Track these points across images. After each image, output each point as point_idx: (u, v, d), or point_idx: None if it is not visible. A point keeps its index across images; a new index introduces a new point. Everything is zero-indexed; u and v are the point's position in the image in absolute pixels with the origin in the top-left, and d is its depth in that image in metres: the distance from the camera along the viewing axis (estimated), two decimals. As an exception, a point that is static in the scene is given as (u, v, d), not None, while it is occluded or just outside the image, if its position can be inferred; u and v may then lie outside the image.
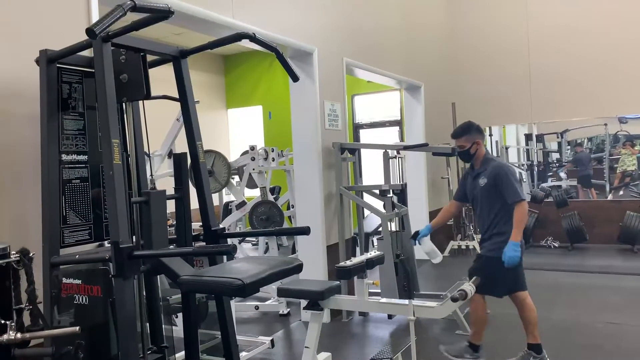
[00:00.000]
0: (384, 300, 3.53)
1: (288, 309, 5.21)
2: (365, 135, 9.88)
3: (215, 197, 6.21)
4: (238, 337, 4.20)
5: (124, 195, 2.12)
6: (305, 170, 4.94)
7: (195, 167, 2.56)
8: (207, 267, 2.20)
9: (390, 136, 9.51)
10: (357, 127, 9.90)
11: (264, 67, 10.20)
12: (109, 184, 2.10)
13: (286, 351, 4.30)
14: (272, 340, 4.24)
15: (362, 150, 9.10)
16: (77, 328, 1.93)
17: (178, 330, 3.00)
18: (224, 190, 5.77)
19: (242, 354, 3.94)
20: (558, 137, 8.82)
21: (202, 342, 4.01)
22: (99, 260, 2.14)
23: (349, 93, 9.73)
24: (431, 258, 4.05)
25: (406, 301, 3.34)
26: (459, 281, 4.99)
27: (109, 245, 2.09)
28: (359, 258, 3.52)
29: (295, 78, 2.66)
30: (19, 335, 1.91)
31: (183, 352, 2.63)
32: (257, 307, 5.28)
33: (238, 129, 10.66)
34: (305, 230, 2.47)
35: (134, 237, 2.36)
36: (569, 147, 8.86)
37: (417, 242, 3.99)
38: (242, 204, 5.31)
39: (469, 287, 3.26)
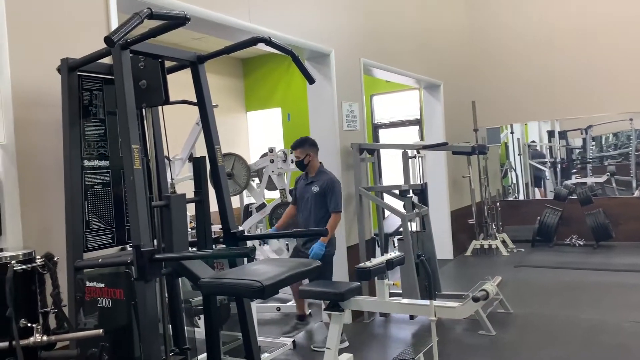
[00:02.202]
0: (404, 300, 3.52)
1: (309, 310, 5.22)
2: (385, 135, 9.84)
3: (235, 200, 6.23)
4: (259, 339, 4.25)
5: (144, 200, 2.15)
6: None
7: (214, 170, 2.58)
8: (227, 270, 2.22)
9: (409, 136, 9.46)
10: (376, 127, 9.86)
11: (282, 69, 10.23)
12: (130, 189, 2.14)
13: (307, 352, 4.31)
14: (293, 342, 4.26)
15: (382, 150, 9.13)
16: (101, 331, 1.97)
17: (200, 332, 3.03)
18: (244, 192, 5.80)
19: (264, 356, 3.97)
20: (582, 134, 8.68)
21: (224, 343, 4.04)
22: (121, 263, 2.17)
23: (367, 93, 9.71)
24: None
25: (427, 302, 3.33)
26: (482, 281, 4.96)
27: (131, 248, 2.13)
28: (379, 259, 3.51)
29: (311, 80, 2.67)
30: (45, 337, 1.96)
31: (205, 354, 2.66)
32: (278, 309, 5.30)
33: (257, 132, 10.71)
34: (322, 232, 2.48)
35: (155, 240, 2.39)
36: (593, 143, 8.72)
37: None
38: (262, 206, 5.33)
39: (490, 287, 3.23)
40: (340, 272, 4.82)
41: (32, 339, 1.94)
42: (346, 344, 4.26)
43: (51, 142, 2.49)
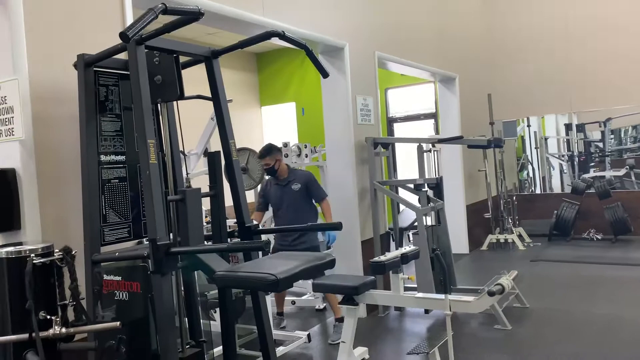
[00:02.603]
0: (419, 294, 3.52)
1: (324, 304, 5.24)
2: (400, 129, 9.80)
3: (250, 194, 6.26)
4: (275, 332, 4.28)
5: (160, 194, 2.17)
6: (339, 166, 4.95)
7: (228, 164, 2.60)
8: (242, 263, 2.24)
9: (425, 129, 9.41)
10: (391, 121, 9.83)
11: (296, 63, 10.23)
12: (146, 183, 2.16)
13: (322, 346, 4.33)
14: (308, 335, 4.27)
15: (397, 145, 9.10)
16: (118, 323, 2.00)
17: (216, 325, 3.06)
18: (259, 187, 5.81)
19: (279, 349, 4.00)
20: (600, 126, 8.57)
21: (240, 336, 4.09)
22: (137, 257, 2.20)
23: (382, 86, 9.66)
24: None
25: (442, 296, 3.32)
26: (497, 275, 4.93)
27: (147, 242, 2.15)
28: (393, 253, 3.51)
29: (325, 74, 2.67)
30: (63, 330, 1.99)
31: (221, 347, 2.69)
32: (293, 302, 5.32)
33: (272, 126, 10.74)
34: (337, 226, 2.48)
35: (171, 234, 2.42)
36: (612, 136, 8.60)
37: None
38: (277, 200, 5.35)
39: (506, 281, 3.21)
40: (354, 266, 4.83)
41: (51, 331, 1.98)
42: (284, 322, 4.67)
43: (68, 137, 2.53)
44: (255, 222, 2.63)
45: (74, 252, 2.24)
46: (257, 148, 5.00)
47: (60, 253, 2.10)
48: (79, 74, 2.39)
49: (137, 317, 2.25)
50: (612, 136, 8.61)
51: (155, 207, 2.13)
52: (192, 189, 2.40)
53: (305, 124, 10.08)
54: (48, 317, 2.00)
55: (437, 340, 3.37)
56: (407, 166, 8.97)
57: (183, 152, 2.81)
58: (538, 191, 9.17)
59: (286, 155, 5.24)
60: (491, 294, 3.07)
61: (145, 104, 2.19)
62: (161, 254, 2.10)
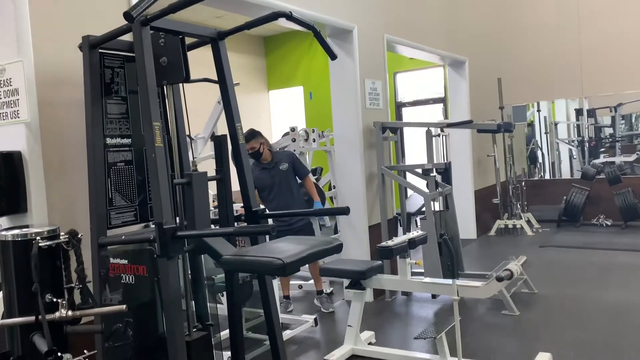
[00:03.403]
0: (427, 279, 3.50)
1: (331, 288, 5.24)
2: (408, 114, 9.74)
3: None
4: (281, 316, 4.29)
5: (166, 177, 2.15)
6: (346, 151, 4.91)
7: (235, 148, 2.57)
8: (249, 247, 2.22)
9: (433, 114, 9.34)
10: (399, 106, 9.76)
11: (304, 47, 10.14)
12: (152, 166, 2.14)
13: (329, 329, 4.33)
14: (315, 319, 4.28)
15: (405, 129, 9.03)
16: (124, 306, 1.99)
17: (223, 309, 3.06)
18: None
19: (286, 332, 4.00)
20: (611, 111, 8.45)
21: (247, 320, 4.09)
22: (143, 240, 2.19)
23: (390, 71, 9.55)
24: None
25: (450, 281, 3.30)
26: (505, 261, 4.91)
27: (154, 226, 2.14)
28: (401, 238, 3.49)
29: (333, 56, 2.63)
30: (70, 312, 1.99)
31: (227, 331, 2.68)
32: (300, 286, 5.32)
33: (279, 111, 10.69)
34: (344, 210, 2.45)
35: (177, 218, 2.40)
36: (622, 121, 8.49)
37: None
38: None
39: (515, 266, 3.18)
40: (361, 250, 4.82)
41: (57, 314, 1.97)
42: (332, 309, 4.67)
43: (74, 120, 2.51)
44: (262, 207, 2.61)
45: (80, 235, 2.23)
46: (265, 132, 4.98)
47: (66, 236, 2.09)
48: (84, 56, 2.36)
49: (143, 301, 2.25)
50: (623, 121, 8.50)
51: (161, 190, 2.11)
52: (199, 173, 2.38)
53: (312, 108, 10.03)
54: (54, 300, 1.99)
55: (444, 326, 3.35)
56: (415, 151, 8.93)
57: (189, 136, 2.79)
58: (547, 177, 9.10)
59: (293, 140, 5.20)
60: (500, 279, 3.04)
61: (150, 85, 2.16)
62: (167, 237, 2.08)
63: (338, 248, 2.23)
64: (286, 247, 2.11)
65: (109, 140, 2.47)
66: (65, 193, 2.53)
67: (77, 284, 2.19)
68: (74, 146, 2.52)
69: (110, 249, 2.35)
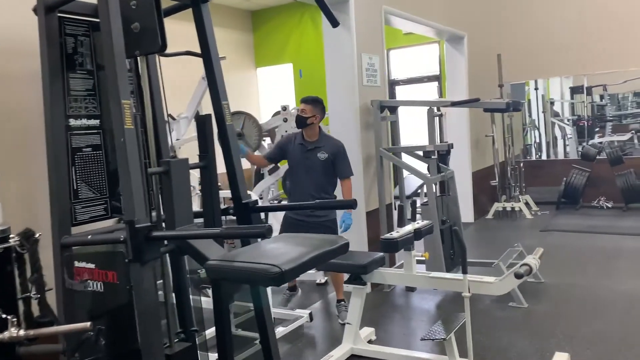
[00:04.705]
0: (434, 274, 3.19)
1: (325, 278, 4.93)
2: (402, 92, 9.37)
3: (245, 162, 5.85)
4: (274, 310, 3.95)
5: (139, 166, 1.80)
6: (342, 131, 4.55)
7: (221, 130, 2.22)
8: (239, 249, 1.88)
9: (428, 93, 8.99)
10: (392, 84, 9.38)
11: (293, 22, 9.69)
12: (121, 153, 1.78)
13: (325, 324, 4.03)
14: (310, 314, 3.97)
15: (399, 109, 8.67)
16: (89, 324, 1.65)
17: (209, 302, 2.69)
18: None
19: (279, 329, 3.70)
20: (604, 90, 8.20)
21: (237, 315, 3.77)
22: (111, 241, 1.84)
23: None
24: None
25: (460, 275, 2.99)
26: (510, 249, 4.62)
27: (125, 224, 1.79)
28: (406, 228, 3.17)
29: (335, 23, 2.27)
30: (21, 332, 1.64)
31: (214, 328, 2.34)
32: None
33: (268, 89, 10.27)
34: (351, 204, 2.12)
35: (154, 213, 2.05)
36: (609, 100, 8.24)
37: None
38: (274, 168, 4.98)
39: (533, 260, 2.88)
40: (359, 240, 4.49)
41: (7, 334, 1.63)
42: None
43: (31, 98, 2.13)
44: (254, 198, 2.27)
45: (37, 235, 1.89)
46: (253, 111, 4.61)
47: (17, 238, 1.74)
48: (40, 21, 1.98)
49: (114, 312, 1.90)
50: (623, 101, 8.25)
51: (132, 182, 1.76)
52: (178, 160, 2.03)
53: (303, 86, 9.61)
54: (3, 316, 1.65)
55: (453, 324, 3.06)
56: (408, 132, 8.60)
57: (171, 116, 2.42)
58: (545, 157, 8.83)
59: (285, 120, 4.83)
60: (518, 276, 2.74)
61: (118, 56, 1.79)
62: (140, 238, 1.74)
63: (344, 248, 1.90)
64: (283, 249, 1.78)
65: (72, 122, 2.11)
66: (23, 184, 2.17)
67: (34, 293, 1.85)
68: (32, 129, 2.15)
69: (76, 250, 2.00)
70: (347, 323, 3.38)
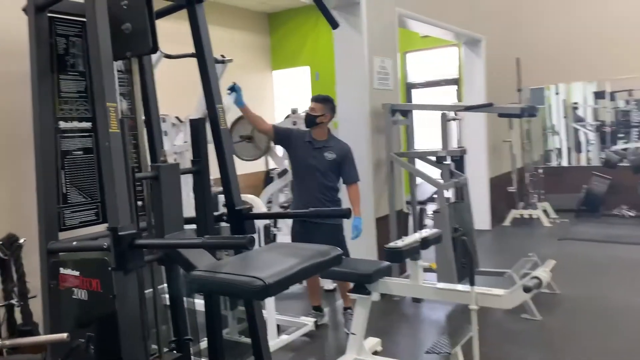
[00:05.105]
0: (441, 285, 3.08)
1: (334, 285, 4.82)
2: (419, 96, 9.24)
3: (260, 163, 5.80)
4: (278, 317, 3.88)
5: (124, 171, 1.74)
6: (352, 135, 4.44)
7: (216, 135, 2.15)
8: (226, 259, 1.81)
9: (446, 96, 8.84)
10: (409, 87, 9.26)
11: (310, 24, 9.63)
12: (105, 158, 1.72)
13: (331, 333, 3.94)
14: (315, 322, 3.88)
15: (414, 113, 8.51)
16: (66, 335, 1.59)
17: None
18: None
19: (282, 337, 3.62)
20: (629, 95, 7.94)
21: (241, 320, 3.71)
22: (95, 249, 1.78)
23: (400, 50, 9.06)
24: None
25: (467, 287, 2.87)
26: (524, 258, 4.47)
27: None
28: (412, 237, 3.06)
29: (335, 25, 2.19)
30: (-3, 342, 1.59)
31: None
32: (301, 282, 4.92)
33: (284, 92, 10.22)
34: (345, 213, 2.04)
35: (142, 220, 1.99)
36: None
37: (235, 89, 3.67)
38: (283, 172, 4.90)
39: (544, 273, 2.75)
40: (368, 248, 4.38)
41: (-19, 344, 1.58)
42: (325, 319, 4.05)
43: (21, 99, 2.08)
44: (248, 205, 2.19)
45: (21, 240, 1.84)
46: (268, 115, 4.54)
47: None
48: (29, 21, 1.94)
49: (98, 322, 1.84)
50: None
51: (116, 187, 1.70)
52: (168, 164, 1.97)
53: (319, 89, 9.48)
54: (-19, 325, 1.60)
55: (459, 337, 2.94)
56: (422, 136, 8.45)
57: (177, 118, 2.37)
58: (565, 164, 8.61)
59: (294, 123, 4.76)
60: (527, 290, 2.62)
61: (104, 57, 1.74)
62: (124, 246, 1.68)
63: (337, 260, 1.81)
64: (272, 261, 1.70)
65: (63, 124, 2.06)
66: (11, 188, 2.12)
67: (17, 300, 1.80)
68: (21, 130, 2.10)
69: (62, 257, 1.95)
70: (352, 333, 3.28)
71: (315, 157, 3.77)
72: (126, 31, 1.94)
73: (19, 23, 2.00)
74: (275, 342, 3.50)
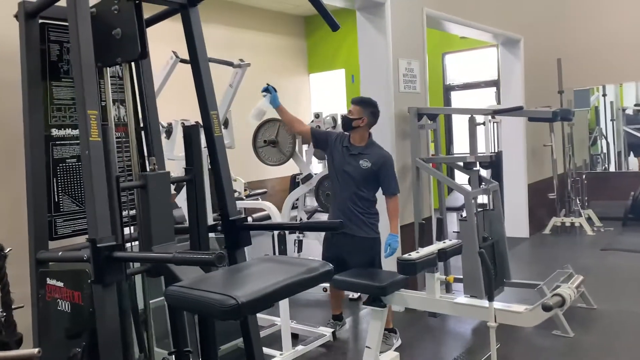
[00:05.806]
0: (458, 299, 2.91)
1: (359, 293, 4.70)
2: (457, 98, 8.99)
3: (287, 167, 5.73)
4: (297, 326, 3.80)
5: (104, 181, 1.68)
6: (376, 140, 4.24)
7: (210, 143, 2.08)
8: (208, 274, 1.73)
9: (485, 99, 8.56)
10: (447, 89, 9.02)
11: (347, 27, 9.42)
12: (85, 167, 1.67)
13: (350, 345, 3.82)
14: (333, 333, 3.77)
15: (455, 116, 8.27)
16: (37, 350, 1.54)
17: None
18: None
19: (298, 348, 3.52)
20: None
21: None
22: (76, 260, 1.73)
23: (438, 51, 8.85)
24: (252, 115, 3.65)
25: (486, 303, 2.70)
26: (559, 270, 4.22)
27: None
28: (429, 248, 2.91)
29: (335, 26, 2.07)
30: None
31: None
32: (325, 289, 4.82)
33: (320, 95, 10.17)
34: (336, 226, 1.92)
35: (127, 232, 1.94)
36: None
37: (269, 90, 3.56)
38: (307, 177, 4.81)
39: (567, 290, 2.55)
40: (391, 257, 4.23)
41: (-45, 357, 1.55)
42: (399, 342, 3.66)
43: (11, 106, 2.06)
44: (242, 215, 2.11)
45: (6, 250, 1.81)
46: (304, 118, 4.44)
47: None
48: (20, 27, 1.92)
49: (80, 335, 1.79)
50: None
51: (95, 198, 1.64)
52: (156, 173, 1.91)
53: (355, 92, 9.38)
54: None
55: (479, 354, 2.78)
56: (463, 140, 8.22)
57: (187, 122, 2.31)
58: (612, 169, 8.18)
59: (318, 127, 4.66)
60: (547, 308, 2.43)
61: (85, 63, 1.69)
62: (102, 259, 1.62)
63: (324, 276, 1.70)
64: (252, 277, 1.61)
65: (55, 132, 2.03)
66: (3, 197, 2.11)
67: (1, 311, 1.77)
68: (12, 138, 2.08)
69: (51, 266, 1.92)
70: (367, 347, 3.15)
71: (350, 164, 3.55)
72: (116, 36, 1.89)
73: (10, 29, 1.98)
74: (289, 352, 3.41)
